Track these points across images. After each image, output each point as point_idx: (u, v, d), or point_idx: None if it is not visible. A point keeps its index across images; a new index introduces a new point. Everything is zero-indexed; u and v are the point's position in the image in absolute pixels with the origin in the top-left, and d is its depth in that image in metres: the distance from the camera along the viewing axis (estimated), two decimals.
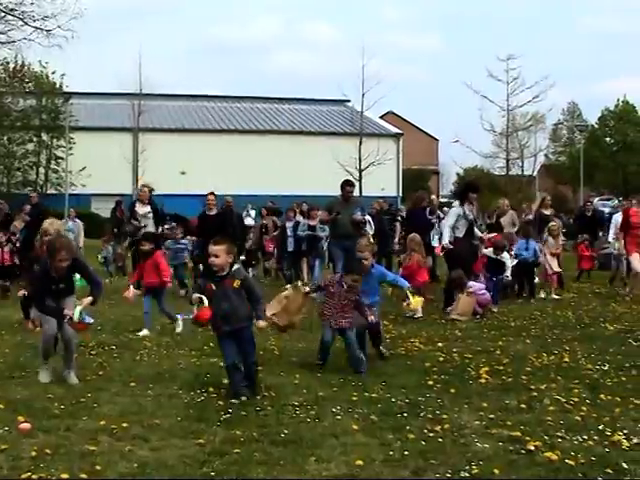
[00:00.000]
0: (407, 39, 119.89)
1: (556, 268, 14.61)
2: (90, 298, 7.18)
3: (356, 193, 17.23)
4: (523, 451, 5.02)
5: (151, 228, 14.76)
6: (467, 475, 4.61)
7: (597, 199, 38.52)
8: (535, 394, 6.58)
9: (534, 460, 4.86)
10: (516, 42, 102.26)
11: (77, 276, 7.55)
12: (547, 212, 16.61)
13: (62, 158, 43.84)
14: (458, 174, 66.36)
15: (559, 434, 5.38)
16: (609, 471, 4.65)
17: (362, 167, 41.98)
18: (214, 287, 6.59)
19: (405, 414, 5.93)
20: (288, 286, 9.47)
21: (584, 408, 6.08)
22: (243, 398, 6.29)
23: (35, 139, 45.24)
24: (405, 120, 70.29)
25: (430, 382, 7.04)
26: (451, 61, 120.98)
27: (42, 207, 20.50)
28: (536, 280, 14.68)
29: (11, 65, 41.86)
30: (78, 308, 7.06)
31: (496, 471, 4.64)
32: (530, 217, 18.90)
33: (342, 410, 6.02)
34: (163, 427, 5.55)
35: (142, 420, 5.71)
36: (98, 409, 6.08)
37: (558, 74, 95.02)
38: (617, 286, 15.25)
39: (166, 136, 47.08)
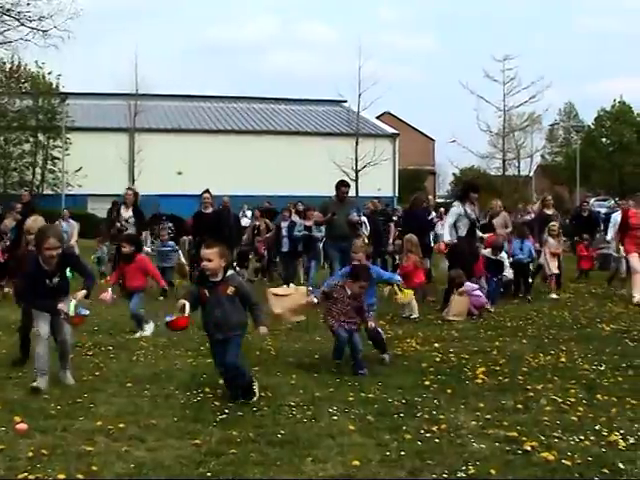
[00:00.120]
0: (403, 39, 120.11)
1: (554, 270, 14.62)
2: (84, 291, 6.98)
3: (352, 194, 17.24)
4: (520, 451, 5.03)
5: (133, 232, 14.19)
6: (464, 475, 4.62)
7: (593, 199, 38.59)
8: (532, 394, 6.59)
9: (531, 460, 4.87)
10: (512, 42, 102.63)
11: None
12: (549, 212, 16.52)
13: (58, 158, 43.70)
14: (454, 174, 66.46)
15: (556, 434, 5.39)
16: (605, 471, 4.67)
17: (358, 167, 41.99)
18: (207, 293, 6.44)
19: (402, 414, 5.94)
20: (292, 285, 9.54)
21: (581, 408, 6.09)
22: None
23: (31, 139, 45.10)
24: (401, 120, 70.29)
25: (427, 382, 7.04)
26: (447, 61, 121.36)
27: (33, 206, 20.41)
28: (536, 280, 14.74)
29: (7, 65, 41.72)
30: (73, 301, 6.89)
31: (493, 471, 4.65)
32: (527, 218, 18.93)
33: (339, 410, 6.02)
34: (159, 427, 5.55)
35: (139, 420, 5.71)
36: (95, 409, 6.08)
37: (554, 74, 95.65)
38: (615, 286, 15.26)
39: (162, 136, 46.99)
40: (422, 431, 5.48)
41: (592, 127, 63.19)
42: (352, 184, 25.99)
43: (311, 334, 9.70)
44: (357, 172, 41.60)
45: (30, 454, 4.89)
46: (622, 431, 5.44)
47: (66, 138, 42.74)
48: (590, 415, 5.90)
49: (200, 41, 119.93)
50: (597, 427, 5.55)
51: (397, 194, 49.77)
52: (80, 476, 4.54)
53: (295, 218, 17.80)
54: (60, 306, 6.84)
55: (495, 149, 45.69)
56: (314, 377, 7.29)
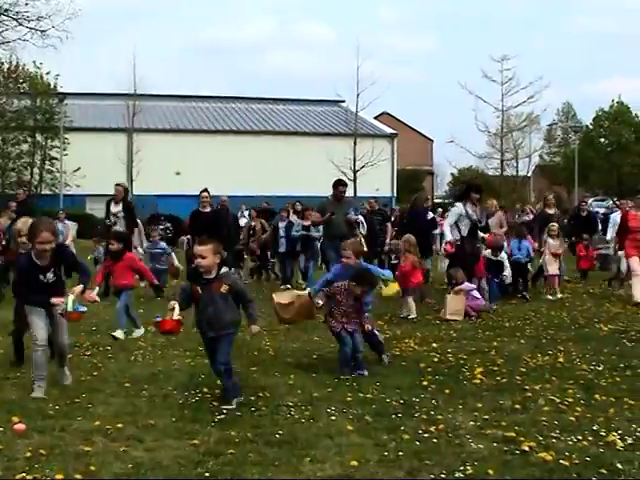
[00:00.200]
0: (402, 40, 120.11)
1: (553, 271, 14.61)
2: (81, 286, 6.81)
3: (350, 194, 17.22)
4: (517, 451, 5.03)
5: (122, 228, 14.23)
6: (461, 476, 4.62)
7: (592, 200, 38.58)
8: (529, 394, 6.60)
9: (528, 460, 4.87)
10: (511, 42, 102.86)
11: None
12: (551, 211, 16.47)
13: (56, 158, 43.70)
14: (453, 174, 66.46)
15: (553, 434, 5.39)
16: (603, 471, 4.67)
17: (356, 168, 41.97)
18: (200, 290, 6.37)
19: (400, 414, 5.94)
20: (288, 286, 9.53)
21: (578, 408, 6.10)
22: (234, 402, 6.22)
23: (29, 139, 45.05)
24: (400, 121, 70.23)
25: (425, 383, 7.04)
26: (446, 62, 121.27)
27: (29, 205, 20.32)
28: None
29: (5, 65, 41.80)
30: (70, 297, 6.73)
31: (490, 471, 4.65)
32: (526, 218, 18.89)
33: (337, 411, 6.02)
34: (158, 428, 5.55)
35: (137, 421, 5.71)
36: (93, 410, 6.08)
37: (552, 74, 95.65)
38: (613, 287, 15.25)
39: (161, 136, 46.98)
40: (420, 431, 5.48)
41: (590, 127, 63.12)
42: (350, 184, 26.00)
43: (309, 334, 9.70)
44: (355, 172, 41.57)
45: (28, 454, 4.89)
46: (620, 431, 5.44)
47: (64, 138, 42.67)
48: (588, 415, 5.90)
49: (198, 41, 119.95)
50: (595, 427, 5.56)
51: (395, 194, 49.79)
52: (78, 476, 4.54)
53: (293, 218, 17.79)
54: (56, 300, 6.65)
55: (493, 149, 45.79)
56: (312, 377, 7.29)
